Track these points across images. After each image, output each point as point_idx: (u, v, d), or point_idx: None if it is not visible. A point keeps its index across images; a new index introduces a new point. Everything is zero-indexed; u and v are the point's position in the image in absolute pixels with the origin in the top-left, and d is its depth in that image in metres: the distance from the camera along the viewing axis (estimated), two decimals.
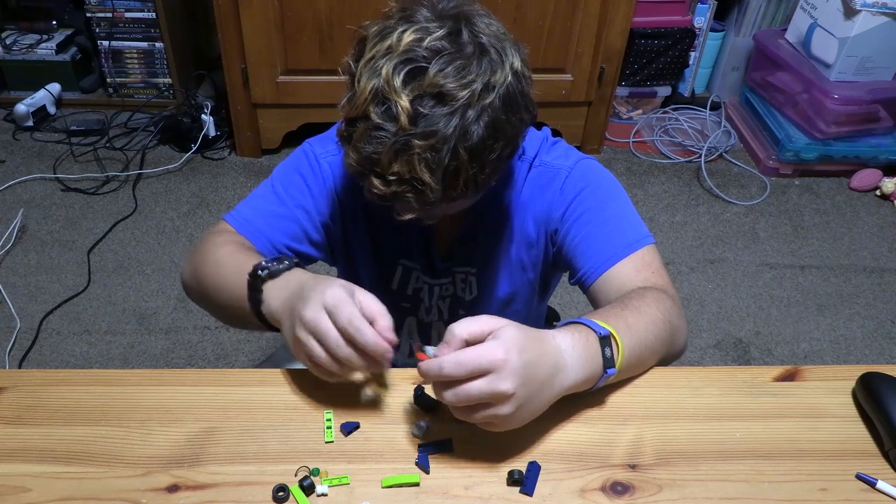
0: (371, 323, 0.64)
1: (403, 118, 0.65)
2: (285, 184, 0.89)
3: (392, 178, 0.68)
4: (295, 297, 0.67)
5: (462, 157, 0.67)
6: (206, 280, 0.82)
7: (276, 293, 0.71)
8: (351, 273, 0.98)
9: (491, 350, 0.59)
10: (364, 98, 0.66)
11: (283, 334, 0.70)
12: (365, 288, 0.98)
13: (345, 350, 0.63)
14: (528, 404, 0.62)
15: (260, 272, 0.72)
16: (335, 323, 0.63)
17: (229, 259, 0.79)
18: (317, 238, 0.91)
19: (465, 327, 0.62)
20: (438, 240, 0.93)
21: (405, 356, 1.03)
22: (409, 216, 0.73)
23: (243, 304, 0.74)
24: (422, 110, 0.65)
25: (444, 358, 0.60)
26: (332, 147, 0.90)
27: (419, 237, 0.92)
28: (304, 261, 0.92)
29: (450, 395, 0.60)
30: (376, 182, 0.69)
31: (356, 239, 0.94)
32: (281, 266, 0.72)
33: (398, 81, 0.65)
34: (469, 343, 0.61)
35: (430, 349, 0.63)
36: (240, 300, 0.74)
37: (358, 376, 0.73)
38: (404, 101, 0.65)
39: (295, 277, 0.71)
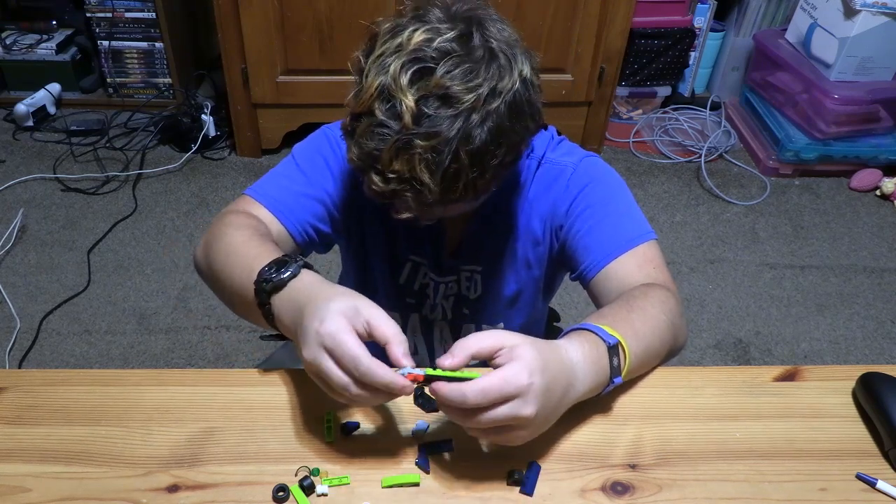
0: (384, 345, 0.60)
1: (407, 117, 0.64)
2: (308, 164, 0.88)
3: (392, 175, 0.67)
4: (297, 321, 0.62)
5: (463, 161, 0.67)
6: (216, 266, 0.77)
7: (284, 307, 0.66)
8: (362, 264, 0.98)
9: (515, 375, 0.57)
10: (370, 94, 0.66)
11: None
12: (375, 280, 0.95)
13: (354, 392, 0.58)
14: (544, 423, 0.61)
15: (265, 285, 0.66)
16: (339, 365, 0.58)
17: (241, 248, 0.74)
18: (338, 219, 0.90)
19: (473, 343, 0.59)
20: (448, 236, 0.93)
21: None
22: (406, 215, 0.72)
23: (253, 305, 0.69)
24: (426, 110, 0.65)
25: (468, 387, 0.56)
26: None
27: (430, 233, 0.92)
28: (324, 246, 0.91)
29: (472, 423, 0.58)
30: (376, 179, 0.68)
31: (370, 229, 0.94)
32: (284, 276, 0.66)
33: (405, 80, 0.65)
34: (475, 358, 0.59)
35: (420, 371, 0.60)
36: (248, 298, 0.69)
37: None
38: (409, 100, 0.64)
39: (300, 287, 0.65)
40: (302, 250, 0.88)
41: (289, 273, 0.66)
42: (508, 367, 0.57)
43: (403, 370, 0.60)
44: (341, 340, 0.57)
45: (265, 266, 0.68)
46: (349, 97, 0.71)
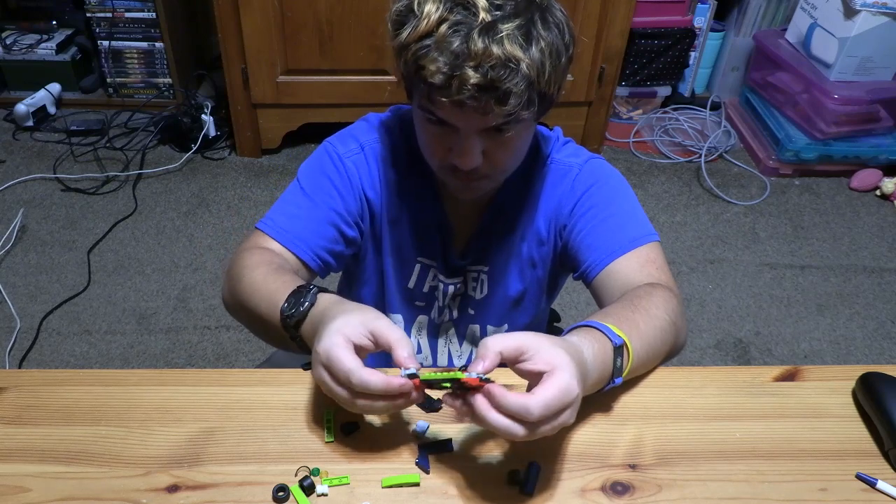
0: (390, 351, 0.61)
1: (482, 11, 0.68)
2: (313, 186, 0.89)
3: (488, 64, 0.68)
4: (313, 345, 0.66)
5: (543, 38, 0.70)
6: (243, 305, 0.80)
7: (309, 336, 0.69)
8: (376, 270, 0.98)
9: (569, 385, 0.57)
10: (436, 9, 0.69)
11: None
12: (386, 286, 0.95)
13: (359, 405, 0.60)
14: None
15: (288, 321, 0.71)
16: (336, 380, 0.60)
17: (263, 286, 0.77)
18: (351, 236, 0.91)
19: (499, 342, 0.59)
20: (456, 237, 0.94)
21: None
22: (480, 131, 0.74)
23: (285, 337, 0.73)
24: (496, 1, 0.69)
25: (531, 401, 0.55)
26: (353, 146, 0.90)
27: (438, 234, 0.93)
28: (340, 262, 0.92)
29: (532, 436, 0.57)
30: (471, 74, 0.68)
31: (380, 236, 0.94)
32: (302, 308, 0.70)
33: None
34: (504, 358, 0.59)
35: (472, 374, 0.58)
36: (278, 331, 0.73)
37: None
38: None
39: (317, 313, 0.69)
40: (318, 276, 0.89)
41: (306, 304, 0.70)
42: (559, 377, 0.57)
43: (404, 371, 0.60)
44: (335, 356, 0.60)
45: (283, 304, 0.72)
46: (404, 35, 0.71)
